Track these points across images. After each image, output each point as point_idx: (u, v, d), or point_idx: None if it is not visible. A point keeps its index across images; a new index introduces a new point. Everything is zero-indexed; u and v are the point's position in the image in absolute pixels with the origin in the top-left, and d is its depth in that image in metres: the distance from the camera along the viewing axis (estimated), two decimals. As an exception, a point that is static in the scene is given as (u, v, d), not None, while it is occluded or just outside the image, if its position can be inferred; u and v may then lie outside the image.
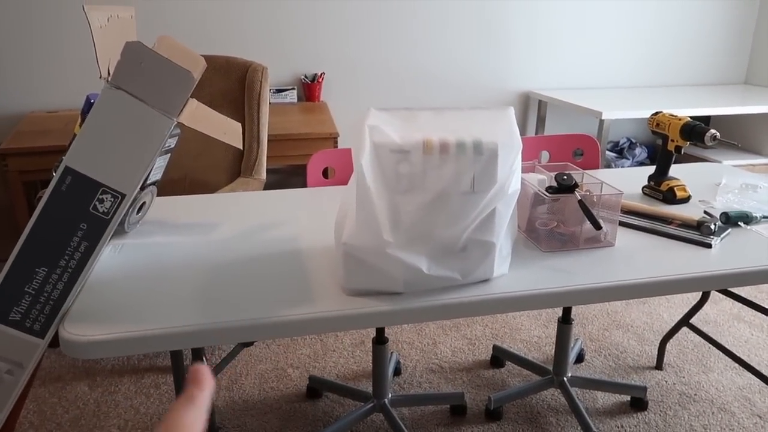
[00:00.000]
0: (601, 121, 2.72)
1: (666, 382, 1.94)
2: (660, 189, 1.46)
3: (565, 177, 1.14)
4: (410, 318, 0.97)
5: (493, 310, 1.01)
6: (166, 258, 1.13)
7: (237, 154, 2.26)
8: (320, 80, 3.00)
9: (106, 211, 0.91)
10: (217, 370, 1.21)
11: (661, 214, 1.32)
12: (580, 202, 1.13)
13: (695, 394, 1.88)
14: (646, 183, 1.53)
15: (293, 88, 3.01)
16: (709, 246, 1.19)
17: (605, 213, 1.19)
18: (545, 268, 1.10)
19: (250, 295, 0.99)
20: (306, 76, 3.00)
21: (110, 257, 1.14)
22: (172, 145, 1.21)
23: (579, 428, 1.73)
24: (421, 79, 3.16)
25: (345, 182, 1.67)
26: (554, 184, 1.18)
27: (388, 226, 0.95)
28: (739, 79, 3.57)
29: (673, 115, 1.45)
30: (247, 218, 1.34)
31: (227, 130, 1.01)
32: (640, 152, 3.36)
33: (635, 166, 3.33)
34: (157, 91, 0.85)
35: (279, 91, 2.99)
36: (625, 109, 2.76)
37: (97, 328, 0.89)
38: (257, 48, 2.96)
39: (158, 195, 1.49)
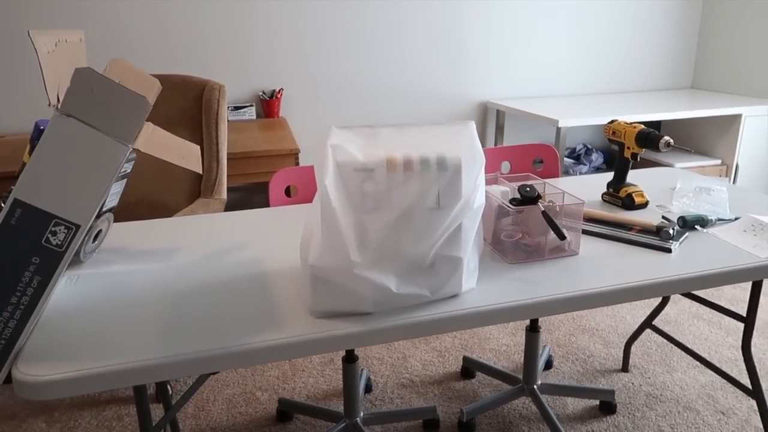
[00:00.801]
0: (558, 129, 2.78)
1: (632, 383, 1.97)
2: (619, 195, 1.49)
3: (528, 189, 1.16)
4: (381, 338, 0.96)
5: (463, 326, 1.00)
6: (125, 288, 1.09)
7: (196, 175, 2.21)
8: (279, 96, 2.97)
9: (59, 243, 0.88)
10: (183, 399, 1.17)
11: (621, 220, 1.34)
12: (544, 213, 1.14)
13: (661, 394, 1.91)
14: (605, 190, 1.56)
15: (251, 105, 2.97)
16: (669, 251, 1.21)
17: (568, 222, 1.21)
18: (513, 280, 1.10)
19: (215, 322, 0.96)
20: (264, 93, 2.97)
21: (66, 289, 1.09)
22: (129, 170, 1.17)
23: (551, 435, 1.74)
24: (379, 92, 3.17)
25: (308, 200, 1.65)
26: (517, 195, 1.19)
27: (355, 246, 0.94)
28: (686, 84, 3.71)
29: (628, 124, 1.49)
30: (209, 241, 1.30)
31: (185, 154, 0.98)
32: (597, 158, 3.44)
33: (592, 171, 3.41)
34: (110, 118, 0.82)
35: (237, 108, 2.95)
36: (581, 116, 2.82)
37: (54, 367, 0.85)
38: (213, 65, 2.92)
39: (116, 220, 1.44)
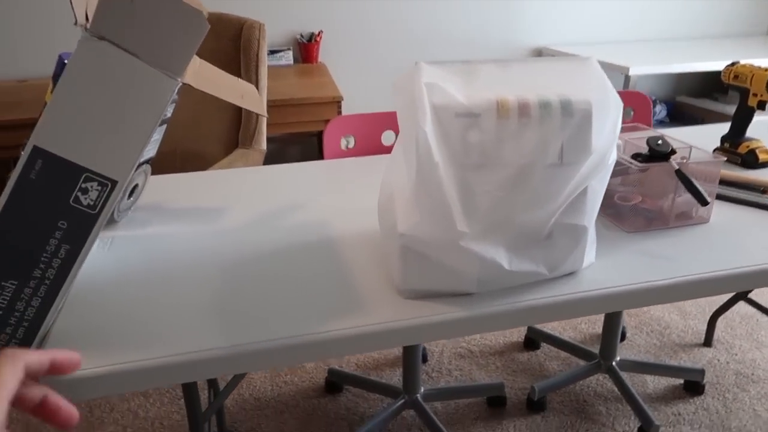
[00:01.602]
0: (627, 77, 2.50)
1: (718, 360, 1.78)
2: (737, 152, 1.26)
3: (660, 142, 0.94)
4: (489, 326, 0.78)
5: (587, 312, 0.81)
6: (166, 255, 0.91)
7: (234, 122, 2.01)
8: (318, 40, 2.73)
9: (91, 203, 0.69)
10: (232, 384, 1.01)
11: (753, 181, 1.12)
12: (678, 171, 0.92)
13: (753, 374, 1.72)
14: (718, 144, 1.33)
15: (288, 49, 2.75)
16: (821, 219, 0.99)
17: (697, 184, 0.99)
18: (636, 254, 0.90)
19: (279, 303, 0.78)
20: (302, 36, 2.74)
21: (99, 256, 0.92)
22: (169, 114, 0.98)
23: (633, 417, 1.56)
24: (424, 37, 2.90)
25: (365, 153, 1.45)
26: (640, 150, 0.97)
27: (461, 213, 0.74)
28: (762, 29, 3.36)
29: (755, 66, 1.24)
30: (258, 200, 1.12)
31: (244, 93, 0.78)
32: (660, 110, 3.16)
33: (656, 124, 3.13)
34: (156, 42, 0.62)
35: (273, 52, 2.72)
36: (652, 63, 2.54)
37: (87, 358, 0.67)
38: (247, 3, 2.68)
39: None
